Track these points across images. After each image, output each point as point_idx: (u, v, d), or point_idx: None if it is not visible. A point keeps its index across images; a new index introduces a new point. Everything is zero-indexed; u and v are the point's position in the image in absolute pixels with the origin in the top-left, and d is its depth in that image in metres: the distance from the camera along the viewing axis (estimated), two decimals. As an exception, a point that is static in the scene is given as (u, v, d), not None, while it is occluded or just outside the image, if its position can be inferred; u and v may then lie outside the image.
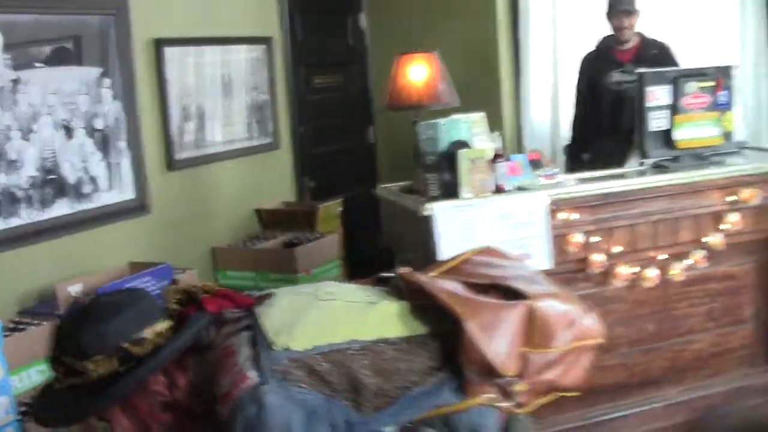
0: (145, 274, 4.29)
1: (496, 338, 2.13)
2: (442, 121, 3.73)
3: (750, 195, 4.03)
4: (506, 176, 3.72)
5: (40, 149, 4.20)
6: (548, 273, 3.52)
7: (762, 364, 4.34)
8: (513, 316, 2.18)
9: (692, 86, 4.11)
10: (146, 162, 4.88)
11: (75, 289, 4.09)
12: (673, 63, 5.36)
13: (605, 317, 3.83)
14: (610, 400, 4.09)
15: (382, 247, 4.41)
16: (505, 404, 2.17)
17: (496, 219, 3.65)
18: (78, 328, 2.01)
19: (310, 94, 6.38)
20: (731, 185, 4.04)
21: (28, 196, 4.14)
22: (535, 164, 3.99)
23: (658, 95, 4.10)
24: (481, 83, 6.22)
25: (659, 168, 4.12)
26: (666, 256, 4.01)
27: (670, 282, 4.04)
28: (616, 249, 3.90)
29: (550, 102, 6.32)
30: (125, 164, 4.73)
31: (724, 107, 4.18)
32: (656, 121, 4.12)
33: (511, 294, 2.25)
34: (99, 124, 4.54)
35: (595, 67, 5.57)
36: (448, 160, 3.63)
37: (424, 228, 3.61)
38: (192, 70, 5.27)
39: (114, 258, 4.60)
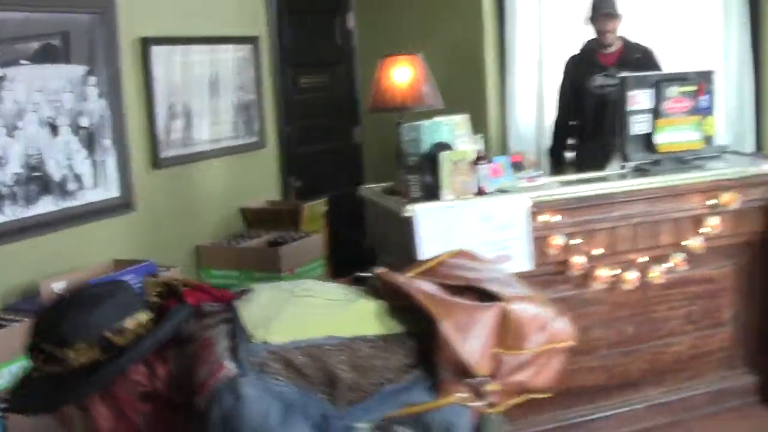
0: (129, 272, 4.29)
1: (470, 339, 2.16)
2: (424, 123, 3.76)
3: (730, 199, 4.07)
4: (488, 178, 3.75)
5: (25, 146, 4.20)
6: (529, 275, 3.58)
7: (740, 367, 4.38)
8: (487, 317, 2.21)
9: (674, 90, 4.15)
10: (132, 160, 4.88)
11: (59, 286, 4.09)
12: (657, 67, 5.37)
13: (585, 319, 3.93)
14: (591, 401, 4.13)
15: (367, 248, 4.43)
16: (477, 404, 2.20)
17: (477, 221, 3.67)
18: (60, 316, 2.01)
19: (296, 93, 6.38)
20: (711, 189, 4.07)
21: (13, 193, 4.14)
22: (517, 166, 4.02)
23: (639, 99, 4.14)
24: (467, 84, 6.24)
25: (640, 171, 4.15)
26: (646, 259, 4.05)
27: (649, 285, 4.08)
28: (597, 251, 3.93)
29: (535, 104, 6.34)
30: (110, 162, 4.73)
31: (705, 111, 4.22)
32: (638, 125, 4.15)
33: (485, 296, 2.28)
34: (84, 121, 4.54)
35: (579, 70, 5.57)
36: (429, 161, 3.65)
37: (405, 229, 3.63)
38: (179, 69, 5.27)
39: (98, 255, 4.61)
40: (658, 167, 4.13)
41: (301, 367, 2.04)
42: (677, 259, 4.08)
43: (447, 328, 2.13)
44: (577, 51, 5.70)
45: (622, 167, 4.26)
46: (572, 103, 5.63)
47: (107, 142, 4.70)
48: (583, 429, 4.11)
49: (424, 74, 5.15)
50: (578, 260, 3.90)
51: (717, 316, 4.29)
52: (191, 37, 5.38)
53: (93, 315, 2.00)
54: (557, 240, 3.85)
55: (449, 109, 4.39)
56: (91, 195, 4.60)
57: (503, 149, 6.18)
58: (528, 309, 2.29)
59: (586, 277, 3.95)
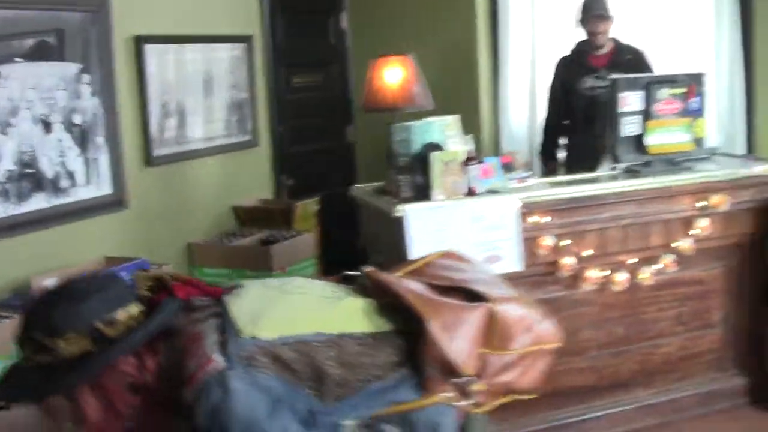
0: (121, 269, 4.30)
1: (457, 338, 2.17)
2: (415, 123, 3.77)
3: (720, 201, 4.09)
4: (478, 179, 3.75)
5: (18, 143, 4.21)
6: (519, 275, 3.60)
7: (730, 368, 4.39)
8: (474, 317, 2.22)
9: (664, 92, 4.16)
10: (124, 158, 4.89)
11: (51, 282, 4.10)
12: (648, 69, 5.37)
13: (574, 320, 3.95)
14: (581, 402, 4.14)
15: (360, 248, 4.43)
16: (462, 403, 2.20)
17: (467, 221, 3.68)
18: (51, 306, 2.01)
19: (289, 93, 6.39)
20: (701, 191, 4.09)
21: (5, 190, 4.15)
22: (508, 167, 4.02)
23: (630, 101, 4.15)
24: (461, 85, 6.25)
25: (631, 173, 4.16)
26: (636, 260, 4.06)
27: (639, 286, 4.09)
28: (587, 252, 3.94)
29: (528, 104, 6.35)
30: (103, 159, 4.74)
31: (695, 113, 4.24)
32: (629, 127, 4.16)
33: (472, 296, 2.29)
34: (77, 119, 4.55)
35: (569, 72, 5.56)
36: (420, 162, 3.66)
37: (396, 229, 3.64)
38: (172, 67, 5.29)
39: (90, 252, 4.62)
40: (649, 169, 4.14)
41: (290, 362, 2.05)
42: (667, 261, 4.09)
43: (434, 327, 2.14)
44: (568, 52, 5.68)
45: (613, 169, 4.26)
46: (562, 104, 5.62)
47: (100, 139, 4.71)
48: (573, 430, 4.11)
49: (415, 75, 5.16)
50: (568, 261, 3.91)
51: (707, 318, 4.30)
52: (185, 35, 5.39)
53: (84, 306, 2.00)
54: (547, 241, 3.86)
55: (442, 110, 4.40)
56: (83, 192, 4.61)
57: (496, 149, 6.18)
58: (515, 310, 2.30)
59: (576, 278, 3.96)
